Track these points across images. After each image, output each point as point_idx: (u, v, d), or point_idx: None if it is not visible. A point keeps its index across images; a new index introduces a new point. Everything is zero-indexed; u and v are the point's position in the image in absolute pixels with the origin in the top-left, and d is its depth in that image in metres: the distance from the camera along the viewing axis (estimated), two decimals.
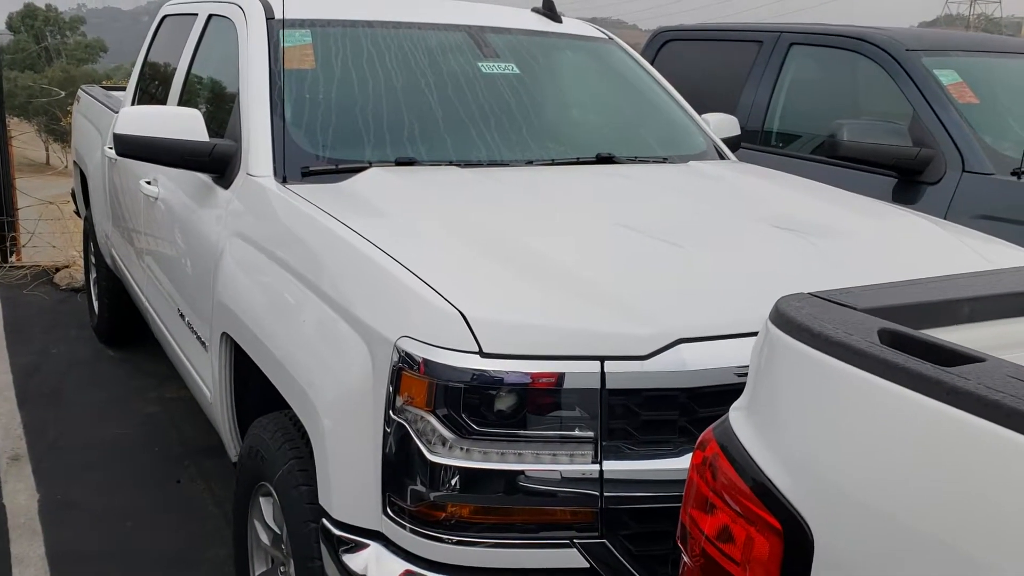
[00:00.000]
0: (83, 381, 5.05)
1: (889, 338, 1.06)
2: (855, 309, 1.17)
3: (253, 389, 2.89)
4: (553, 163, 3.16)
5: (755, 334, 2.00)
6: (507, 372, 1.85)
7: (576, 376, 1.86)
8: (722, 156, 3.66)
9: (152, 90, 4.60)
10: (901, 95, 4.19)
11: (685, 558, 1.27)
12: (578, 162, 3.20)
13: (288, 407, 2.49)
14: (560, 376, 1.86)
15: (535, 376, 1.85)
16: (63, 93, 9.82)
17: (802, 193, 2.99)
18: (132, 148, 3.05)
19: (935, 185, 3.95)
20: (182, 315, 3.38)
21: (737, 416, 1.24)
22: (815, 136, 4.62)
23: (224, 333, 2.77)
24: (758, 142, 4.76)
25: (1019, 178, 3.74)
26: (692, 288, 2.09)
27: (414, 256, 2.16)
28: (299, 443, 2.39)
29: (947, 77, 4.15)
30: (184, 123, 3.03)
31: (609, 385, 1.86)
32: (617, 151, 3.29)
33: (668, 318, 1.95)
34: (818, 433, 1.07)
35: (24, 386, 4.93)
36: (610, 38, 4.02)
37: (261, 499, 2.63)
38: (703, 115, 3.86)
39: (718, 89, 5.02)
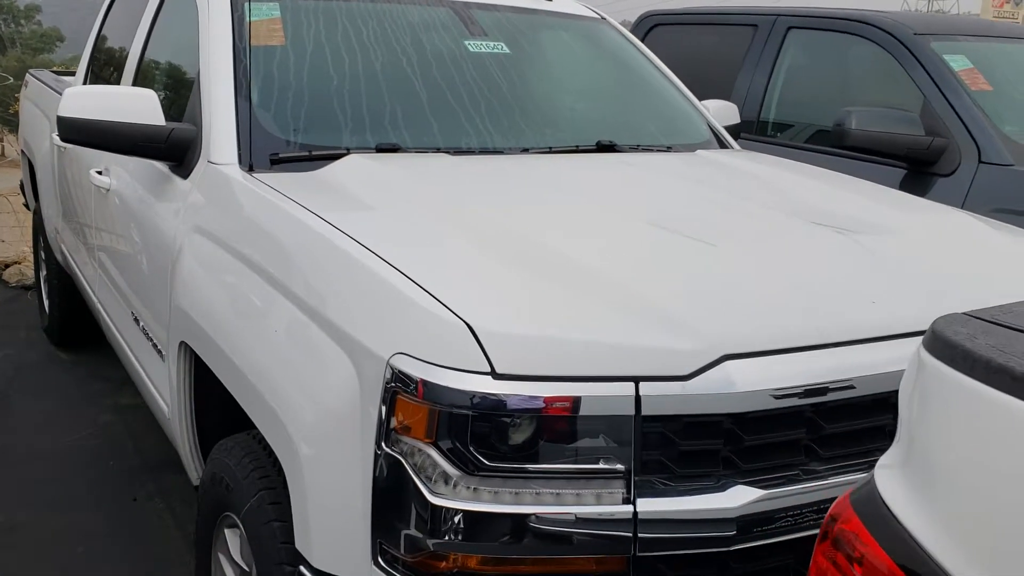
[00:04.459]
0: (32, 387, 4.69)
1: None
2: None
3: (216, 405, 2.57)
4: (550, 151, 2.86)
5: (810, 348, 1.75)
6: (524, 397, 1.55)
7: (605, 401, 1.57)
8: (724, 145, 3.39)
9: (105, 73, 4.23)
10: (909, 82, 3.95)
11: None
12: (577, 150, 2.91)
13: (255, 428, 2.18)
14: (588, 401, 1.56)
15: (557, 401, 1.55)
16: (11, 79, 9.35)
17: (829, 185, 2.72)
18: (78, 133, 2.70)
19: (948, 177, 3.71)
20: (136, 319, 3.05)
21: (886, 476, 0.95)
22: (815, 125, 4.37)
23: (183, 342, 2.44)
24: (754, 131, 4.50)
25: None
26: (736, 295, 1.80)
27: (407, 256, 1.85)
28: (270, 471, 2.08)
29: (958, 63, 3.91)
30: (137, 104, 2.69)
31: (645, 411, 1.57)
32: (618, 138, 3.00)
33: (712, 331, 1.66)
34: (1007, 500, 0.79)
35: None
36: (603, 18, 3.73)
37: (227, 531, 2.32)
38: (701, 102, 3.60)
39: (710, 76, 4.74)
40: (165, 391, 2.75)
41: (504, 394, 1.55)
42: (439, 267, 1.83)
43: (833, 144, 3.92)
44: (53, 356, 5.13)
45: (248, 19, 2.81)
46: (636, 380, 1.57)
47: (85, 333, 5.07)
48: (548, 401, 1.55)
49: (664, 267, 1.90)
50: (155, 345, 2.82)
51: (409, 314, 1.69)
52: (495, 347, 1.57)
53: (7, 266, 6.77)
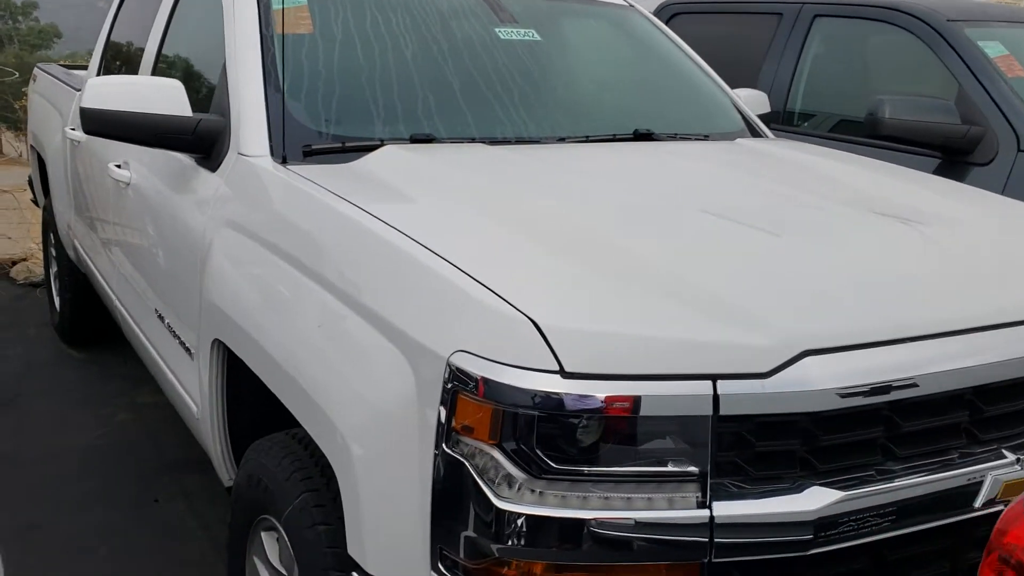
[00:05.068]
0: (45, 385, 4.60)
1: None
2: None
3: (248, 404, 2.50)
4: (587, 140, 2.78)
5: (889, 343, 1.67)
6: (595, 396, 1.47)
7: (681, 400, 1.49)
8: (757, 134, 3.31)
9: (121, 66, 4.14)
10: (943, 69, 3.87)
11: None
12: (614, 139, 2.83)
13: (294, 427, 2.11)
14: (662, 400, 1.48)
15: (630, 401, 1.48)
16: (16, 74, 9.24)
17: (882, 174, 2.64)
18: (102, 125, 2.62)
19: (985, 166, 3.63)
20: (161, 316, 2.97)
21: None
22: (844, 115, 4.29)
23: (216, 340, 2.36)
24: (780, 122, 4.41)
25: None
26: (808, 288, 1.72)
27: (459, 250, 1.77)
28: (313, 472, 2.01)
29: (993, 49, 3.83)
30: (163, 95, 2.60)
31: (723, 410, 1.49)
32: (654, 127, 2.92)
33: (790, 325, 1.58)
34: None
35: None
36: (631, 5, 3.65)
37: (263, 534, 2.24)
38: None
39: (733, 66, 4.63)
40: (193, 390, 2.67)
41: (574, 393, 1.47)
42: (494, 261, 1.76)
43: (865, 133, 3.84)
44: (64, 354, 5.05)
45: (280, 5, 2.72)
46: (713, 378, 1.49)
47: (97, 330, 4.99)
48: (620, 401, 1.47)
49: (730, 259, 1.82)
50: (182, 343, 2.74)
51: (468, 310, 1.61)
52: (563, 344, 1.50)
53: (14, 263, 6.68)
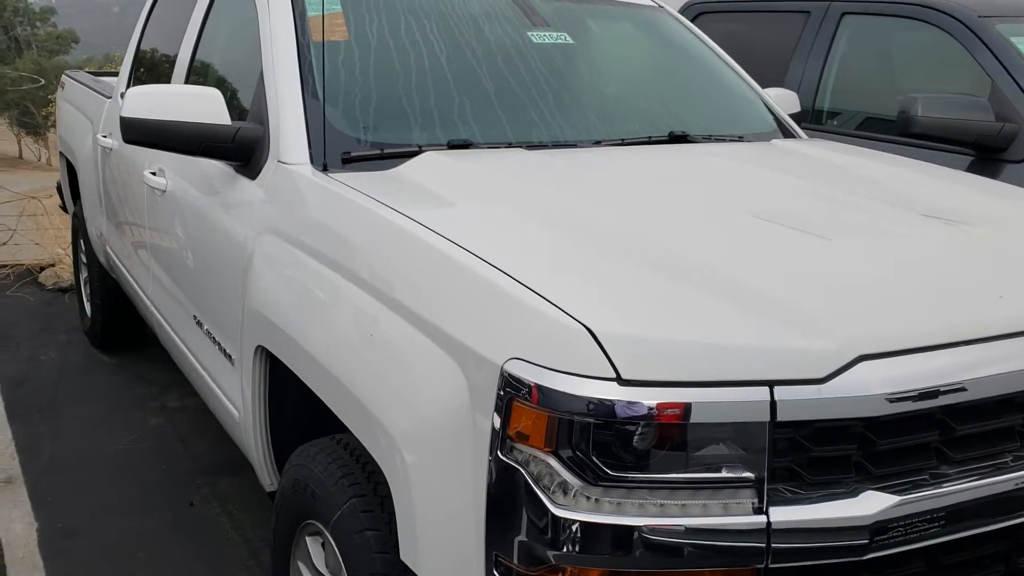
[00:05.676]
0: (78, 391, 4.65)
1: None
2: None
3: (289, 409, 2.52)
4: (623, 143, 2.78)
5: (946, 346, 1.66)
6: (653, 404, 1.47)
7: (738, 407, 1.49)
8: (790, 134, 3.30)
9: (153, 74, 4.16)
10: (975, 66, 3.84)
11: None
12: (649, 141, 2.83)
13: (338, 432, 2.12)
14: (719, 407, 1.48)
15: (688, 408, 1.48)
16: (42, 81, 9.34)
17: (923, 174, 2.62)
18: (142, 133, 2.64)
19: (1020, 163, 3.60)
20: (199, 323, 2.99)
21: None
22: (873, 113, 4.26)
23: (260, 346, 2.38)
24: (809, 121, 4.40)
25: None
26: (862, 291, 1.72)
27: (510, 256, 1.78)
28: (360, 478, 2.02)
29: None
30: (202, 104, 2.62)
31: (780, 416, 1.49)
32: (689, 129, 2.92)
33: (846, 330, 1.58)
34: None
35: (13, 397, 4.52)
36: (660, 6, 3.64)
37: (308, 538, 2.26)
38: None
39: (760, 66, 4.62)
40: (234, 395, 2.69)
41: (632, 401, 1.47)
42: (545, 267, 1.76)
43: (897, 131, 3.82)
44: (96, 359, 5.09)
45: (316, 12, 2.73)
46: (771, 384, 1.49)
47: (128, 335, 5.04)
48: (679, 408, 1.47)
49: (782, 263, 1.81)
50: (222, 348, 2.76)
51: (523, 318, 1.61)
52: (619, 351, 1.50)
53: (42, 269, 6.74)
